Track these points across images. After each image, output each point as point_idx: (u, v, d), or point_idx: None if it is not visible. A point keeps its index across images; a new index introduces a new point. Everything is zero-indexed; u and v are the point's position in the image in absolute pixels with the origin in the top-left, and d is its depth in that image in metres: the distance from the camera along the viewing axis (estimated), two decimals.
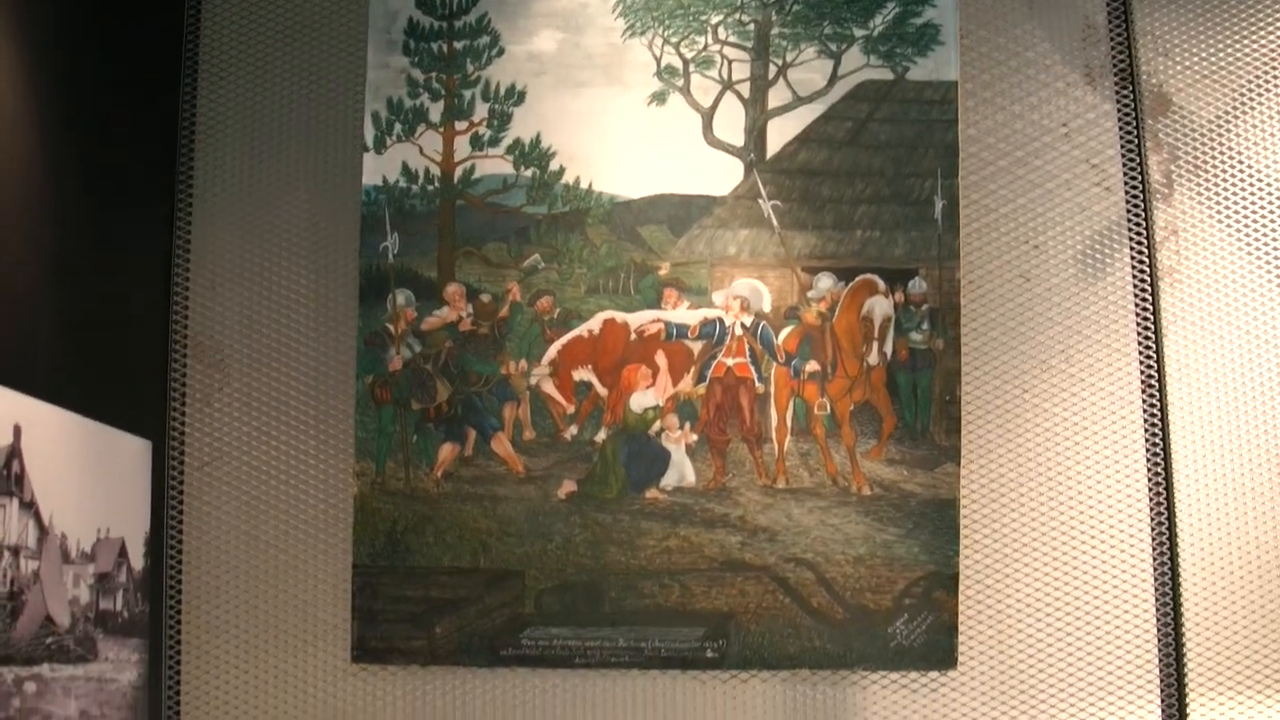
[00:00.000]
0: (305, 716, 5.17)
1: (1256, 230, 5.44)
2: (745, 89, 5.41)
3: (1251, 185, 5.47)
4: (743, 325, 5.25)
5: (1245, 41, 5.58)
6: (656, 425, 5.21)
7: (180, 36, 5.48)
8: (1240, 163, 5.50)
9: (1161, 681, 5.17)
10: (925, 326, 5.25)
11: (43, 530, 3.97)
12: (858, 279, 5.28)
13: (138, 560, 4.78)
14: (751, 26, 5.43)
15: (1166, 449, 5.26)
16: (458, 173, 5.35)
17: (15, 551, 3.78)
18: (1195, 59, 5.58)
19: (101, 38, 4.72)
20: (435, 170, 5.34)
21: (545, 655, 5.09)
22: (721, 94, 5.41)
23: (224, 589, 5.22)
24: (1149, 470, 5.28)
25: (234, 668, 5.19)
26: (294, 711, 5.17)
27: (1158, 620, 5.20)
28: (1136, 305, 5.38)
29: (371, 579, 5.12)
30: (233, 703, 5.17)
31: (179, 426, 5.27)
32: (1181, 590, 5.19)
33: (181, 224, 5.37)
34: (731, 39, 5.43)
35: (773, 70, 5.41)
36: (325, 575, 5.22)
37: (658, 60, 5.42)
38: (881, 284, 5.28)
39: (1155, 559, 5.23)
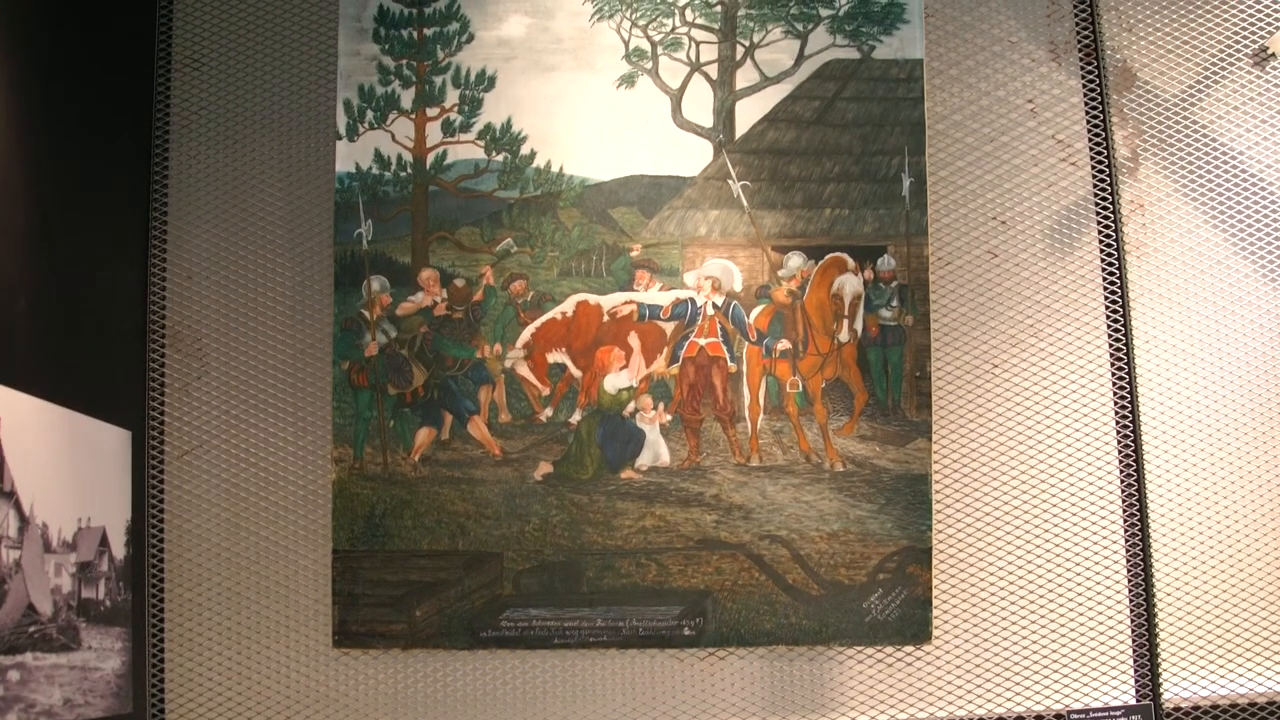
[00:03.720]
0: (288, 702, 5.19)
1: (1222, 203, 5.48)
2: (713, 70, 5.44)
3: (1216, 159, 5.52)
4: (714, 305, 5.29)
5: (1209, 16, 5.62)
6: (631, 406, 5.25)
7: (153, 27, 5.49)
8: (1205, 137, 5.54)
9: (1134, 651, 5.22)
10: (895, 303, 5.29)
11: (23, 520, 3.99)
12: (827, 257, 5.32)
13: (119, 549, 4.81)
14: (718, 8, 5.46)
15: (1135, 420, 5.30)
16: (430, 158, 5.37)
17: None
18: (1159, 34, 5.62)
19: (75, 29, 4.72)
20: (407, 156, 5.36)
21: (524, 636, 5.13)
22: (690, 76, 5.44)
23: (206, 577, 5.25)
24: (1119, 441, 5.32)
25: (217, 655, 5.21)
26: (277, 697, 5.19)
27: (1130, 591, 5.24)
28: (1104, 279, 5.42)
29: (351, 564, 5.15)
30: (216, 690, 5.19)
31: (158, 416, 5.29)
32: (1153, 560, 5.24)
33: (157, 214, 5.38)
34: (699, 21, 5.46)
35: (740, 51, 5.44)
36: (306, 561, 5.25)
37: (626, 43, 5.45)
38: (851, 261, 5.31)
39: (1126, 530, 5.27)
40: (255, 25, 5.55)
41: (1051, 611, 5.25)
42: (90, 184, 4.83)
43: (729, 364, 5.27)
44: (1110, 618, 5.25)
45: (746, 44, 5.43)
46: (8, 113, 4.12)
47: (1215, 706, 5.20)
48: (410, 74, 5.41)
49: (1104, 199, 5.45)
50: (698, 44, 5.45)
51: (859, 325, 5.28)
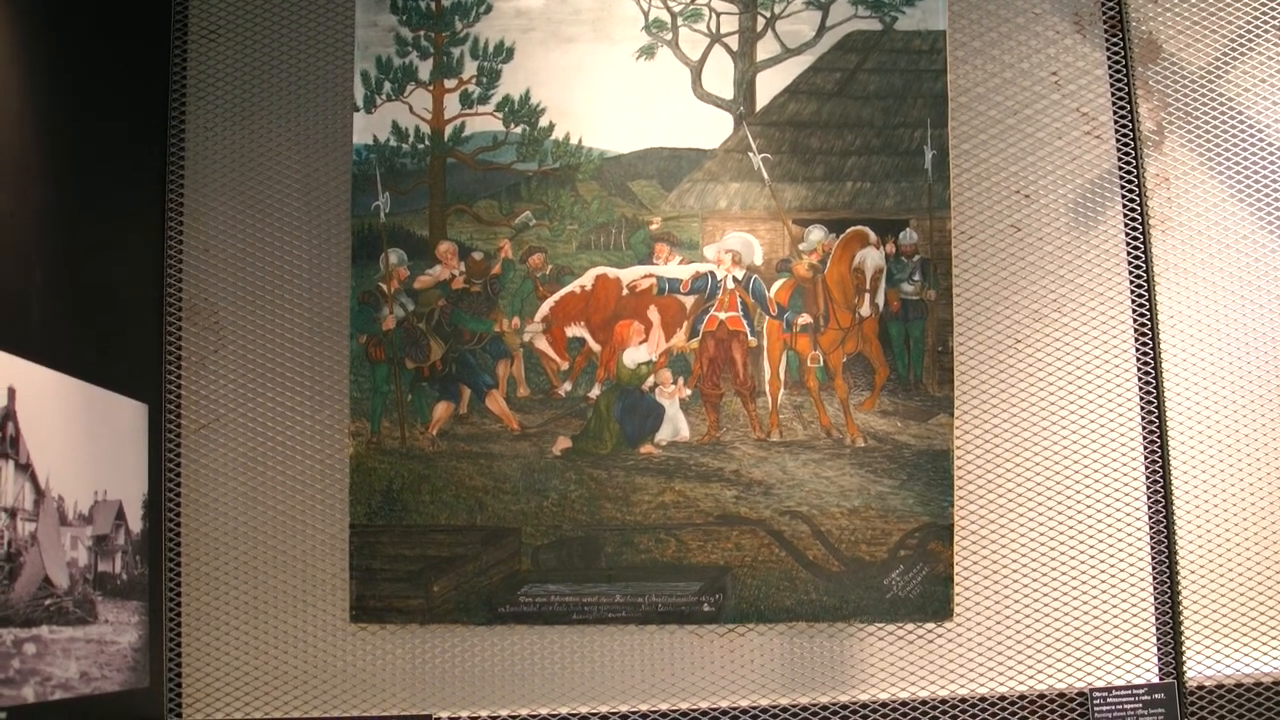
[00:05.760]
0: (305, 676, 5.18)
1: (1247, 177, 5.43)
2: (734, 42, 5.40)
3: (1242, 132, 5.47)
4: (734, 279, 5.25)
5: None
6: (650, 380, 5.22)
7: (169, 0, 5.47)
8: (1231, 110, 5.49)
9: (1158, 628, 5.19)
10: (917, 277, 5.25)
11: (39, 493, 3.98)
12: (849, 230, 5.28)
13: (136, 523, 4.80)
14: None
15: (1160, 395, 5.26)
16: (448, 130, 5.34)
17: (12, 514, 3.80)
18: (1186, 5, 5.57)
19: (90, 2, 4.70)
20: (425, 128, 5.34)
21: (543, 611, 5.11)
22: (710, 47, 5.39)
23: (222, 551, 5.24)
24: (1143, 417, 5.28)
25: (234, 629, 5.20)
26: (294, 672, 5.19)
27: (1153, 568, 5.21)
28: (1129, 254, 5.38)
29: (369, 538, 5.14)
30: (233, 664, 5.18)
31: (175, 389, 5.28)
32: (1177, 538, 5.20)
33: (174, 187, 5.36)
34: None
35: (761, 22, 5.40)
36: (323, 535, 5.23)
37: (645, 14, 5.41)
38: (873, 235, 5.28)
39: (1150, 506, 5.24)
40: None
41: (1074, 589, 5.22)
42: (106, 157, 4.81)
43: (749, 338, 5.24)
44: (1133, 595, 5.22)
45: (767, 15, 5.39)
46: (23, 87, 4.10)
47: (1239, 685, 5.17)
48: (428, 45, 5.38)
49: (1129, 173, 5.41)
50: (718, 15, 5.40)
51: (880, 300, 5.25)
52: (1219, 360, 5.35)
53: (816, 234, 5.27)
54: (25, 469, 3.90)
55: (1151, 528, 5.23)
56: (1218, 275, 5.40)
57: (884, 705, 5.17)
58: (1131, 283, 5.36)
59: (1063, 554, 5.24)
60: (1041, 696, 5.17)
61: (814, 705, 5.15)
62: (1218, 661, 5.19)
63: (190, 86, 5.45)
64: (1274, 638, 5.22)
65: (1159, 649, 5.19)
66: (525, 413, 5.22)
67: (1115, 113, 5.46)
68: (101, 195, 4.75)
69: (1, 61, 3.96)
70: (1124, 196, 5.40)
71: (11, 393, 3.82)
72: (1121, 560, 5.23)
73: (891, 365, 5.22)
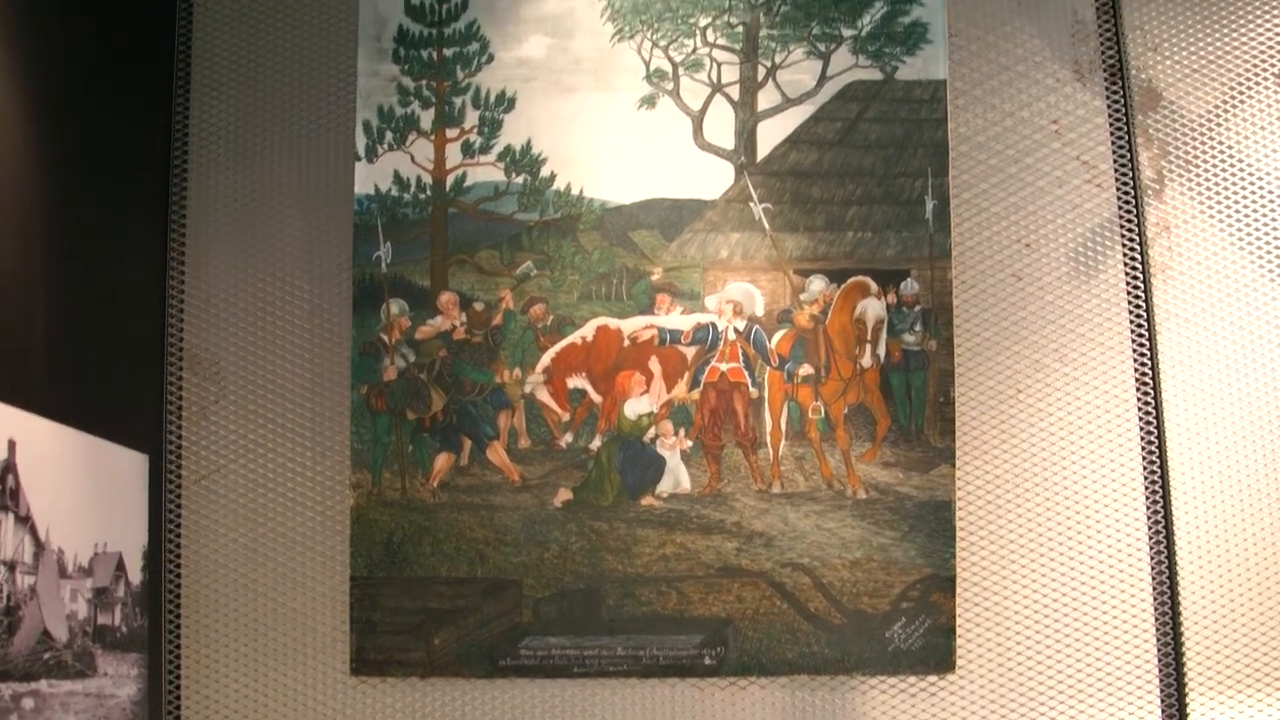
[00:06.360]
0: None
1: (1248, 225, 5.43)
2: (735, 91, 5.41)
3: (1243, 180, 5.47)
4: (736, 329, 5.25)
5: (1235, 35, 5.57)
6: (651, 431, 5.21)
7: (172, 48, 5.47)
8: (1231, 157, 5.49)
9: (1161, 682, 5.17)
10: (918, 327, 5.25)
11: (39, 545, 3.97)
12: (850, 280, 5.28)
13: (136, 574, 4.79)
14: (740, 28, 5.43)
15: (1162, 446, 5.25)
16: (449, 180, 5.35)
17: (11, 567, 3.79)
18: (1185, 53, 5.57)
19: (94, 50, 4.71)
20: (427, 178, 5.34)
21: (544, 665, 5.10)
22: (711, 97, 5.40)
23: (223, 602, 5.22)
24: (1145, 468, 5.27)
25: (234, 681, 5.18)
26: None
27: (1156, 620, 5.20)
28: (1130, 302, 5.37)
29: (369, 590, 5.12)
30: (232, 717, 5.16)
31: (176, 439, 5.27)
32: (1179, 589, 5.19)
33: (175, 235, 5.36)
34: (720, 41, 5.42)
35: (762, 72, 5.41)
36: (323, 587, 5.22)
37: (647, 64, 5.42)
38: (874, 285, 5.27)
39: (1153, 558, 5.22)
40: (274, 46, 5.54)
41: (1077, 640, 5.20)
42: (108, 206, 4.81)
43: (750, 389, 5.23)
44: (1137, 646, 5.20)
45: (768, 64, 5.40)
46: (25, 136, 4.11)
47: None
48: (430, 95, 5.39)
49: (1129, 221, 5.41)
50: (719, 64, 5.41)
51: (882, 350, 5.24)
52: (1221, 408, 5.34)
53: (818, 284, 5.27)
54: (25, 521, 3.89)
55: (1154, 577, 5.22)
56: (1219, 323, 5.39)
57: None
58: (1132, 331, 5.35)
59: (1065, 605, 5.22)
60: None
61: None
62: (1221, 712, 5.17)
63: (192, 135, 5.46)
64: (1278, 686, 5.20)
65: (1162, 700, 5.16)
66: (526, 464, 5.21)
67: (1115, 160, 5.47)
68: (103, 244, 4.76)
69: (3, 110, 3.97)
70: (1124, 245, 5.40)
71: (12, 445, 3.81)
72: (1124, 611, 5.21)
73: (893, 416, 5.22)
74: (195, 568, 5.23)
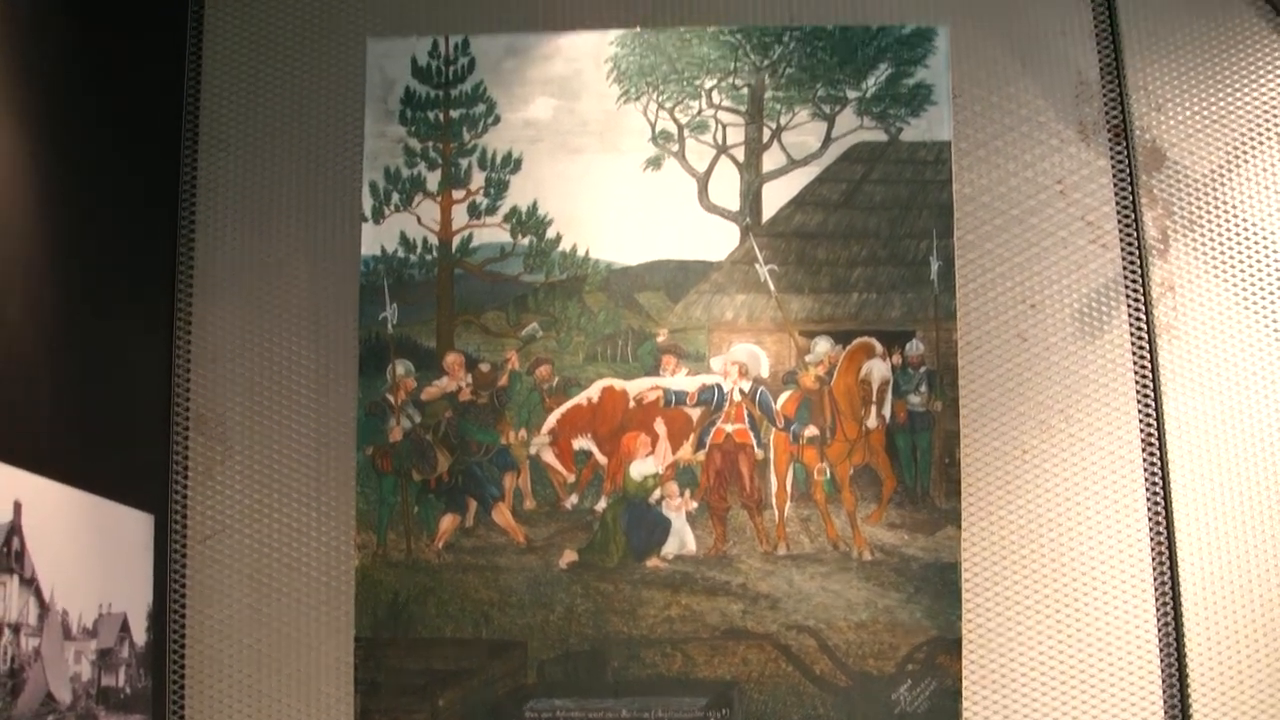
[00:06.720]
0: None
1: (1253, 284, 5.43)
2: (740, 153, 5.43)
3: (1247, 239, 5.47)
4: (741, 390, 5.26)
5: (1238, 95, 5.59)
6: (657, 493, 5.21)
7: (180, 109, 5.51)
8: (1236, 217, 5.50)
9: None
10: (923, 388, 5.25)
11: (43, 607, 3.97)
12: (855, 341, 5.29)
13: (140, 635, 4.78)
14: (745, 90, 5.45)
15: (1168, 506, 5.24)
16: (455, 241, 5.37)
17: (16, 629, 3.79)
18: (1188, 113, 5.59)
19: (102, 111, 4.74)
20: (433, 239, 5.36)
21: None
22: (716, 158, 5.43)
23: (227, 662, 5.21)
24: (1151, 528, 5.26)
25: None
26: None
27: (1163, 682, 5.17)
28: (1135, 362, 5.37)
29: (374, 651, 5.12)
30: None
31: (181, 499, 5.27)
32: (1186, 650, 5.17)
33: (182, 296, 5.39)
34: (725, 103, 5.45)
35: (767, 134, 5.43)
36: (328, 647, 5.21)
37: (652, 125, 5.44)
38: (879, 346, 5.28)
39: (1159, 619, 5.20)
40: (282, 107, 5.57)
41: (1084, 703, 5.17)
42: (115, 266, 4.83)
43: (756, 450, 5.24)
44: (1144, 709, 5.17)
45: (774, 126, 5.42)
46: (31, 196, 4.13)
47: None
48: (436, 156, 5.42)
49: (1134, 280, 5.41)
50: (724, 126, 5.44)
51: (887, 411, 5.24)
52: (1227, 469, 5.33)
53: (823, 345, 5.28)
54: (30, 583, 3.89)
55: (1160, 639, 5.20)
56: (1224, 383, 5.38)
57: None
58: (1138, 391, 5.35)
59: (1072, 667, 5.19)
60: None
61: None
62: None
63: (200, 196, 5.49)
64: None
65: None
66: (531, 525, 5.21)
67: (1120, 220, 5.47)
68: (110, 305, 4.77)
69: (10, 171, 3.99)
70: (1129, 305, 5.40)
71: (17, 507, 3.81)
72: (1131, 673, 5.18)
73: (899, 477, 5.21)
74: (200, 628, 5.22)
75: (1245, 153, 5.55)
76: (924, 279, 5.30)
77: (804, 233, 5.36)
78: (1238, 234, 5.48)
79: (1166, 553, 5.21)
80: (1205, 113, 5.58)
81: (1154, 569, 5.23)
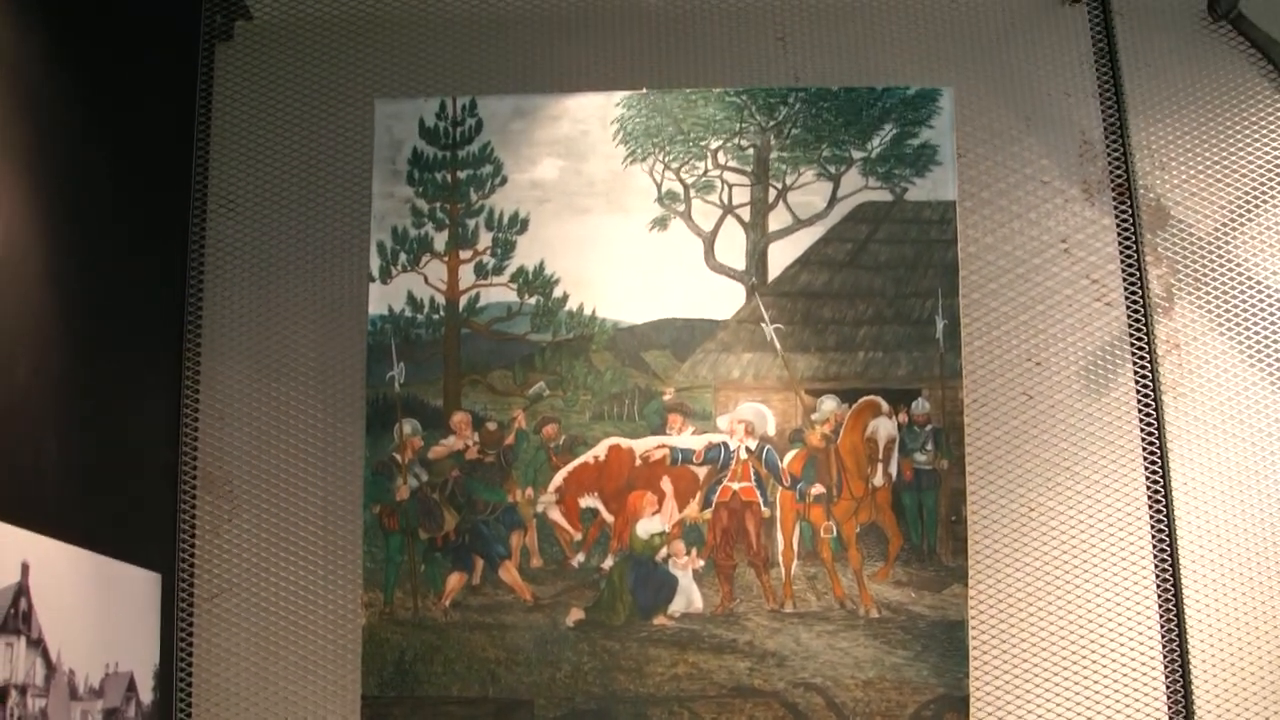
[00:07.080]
0: None
1: (1258, 341, 5.44)
2: (746, 213, 5.46)
3: (1252, 297, 5.49)
4: (747, 449, 5.26)
5: (1242, 153, 5.62)
6: (663, 551, 5.21)
7: (189, 169, 5.55)
8: (1240, 274, 5.51)
9: None
10: (929, 446, 5.26)
11: (50, 668, 3.97)
12: (861, 400, 5.30)
13: (147, 694, 4.78)
14: (751, 151, 5.49)
15: (1175, 564, 5.23)
16: (462, 301, 5.40)
17: (23, 690, 3.79)
18: (1193, 172, 5.61)
19: (110, 169, 4.77)
20: (440, 299, 5.39)
21: None
22: (722, 218, 5.45)
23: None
24: (1158, 586, 5.25)
25: None
26: None
27: None
28: (1140, 420, 5.37)
29: (381, 709, 5.11)
30: None
31: (188, 558, 5.28)
32: (1195, 708, 5.15)
33: (190, 355, 5.41)
34: (731, 164, 5.49)
35: (773, 194, 5.46)
36: (335, 706, 5.21)
37: (658, 186, 5.47)
38: (885, 405, 5.29)
39: (1168, 677, 5.19)
40: (290, 167, 5.62)
41: None
42: (123, 324, 4.85)
43: (762, 509, 5.24)
44: None
45: (779, 186, 5.45)
46: (41, 256, 4.15)
47: None
48: (444, 216, 5.45)
49: (1139, 338, 5.42)
50: (730, 186, 5.47)
51: (894, 469, 5.25)
52: (1233, 526, 5.32)
53: (829, 404, 5.29)
54: (37, 644, 3.89)
55: (1169, 697, 5.18)
56: (1231, 440, 5.38)
57: None
58: (1144, 449, 5.35)
59: None
60: None
61: None
62: None
63: (209, 256, 5.53)
64: None
65: None
66: (538, 583, 5.20)
67: (1125, 279, 5.49)
68: (118, 364, 4.79)
69: (20, 232, 4.01)
70: (1135, 362, 5.41)
71: (25, 568, 3.82)
72: None
73: (905, 535, 5.21)
74: (206, 687, 5.22)
75: (1249, 211, 5.57)
76: (929, 338, 5.31)
77: (810, 292, 5.38)
78: (1242, 291, 5.49)
79: (1174, 611, 5.20)
80: (1209, 171, 5.61)
81: (1161, 627, 5.22)
